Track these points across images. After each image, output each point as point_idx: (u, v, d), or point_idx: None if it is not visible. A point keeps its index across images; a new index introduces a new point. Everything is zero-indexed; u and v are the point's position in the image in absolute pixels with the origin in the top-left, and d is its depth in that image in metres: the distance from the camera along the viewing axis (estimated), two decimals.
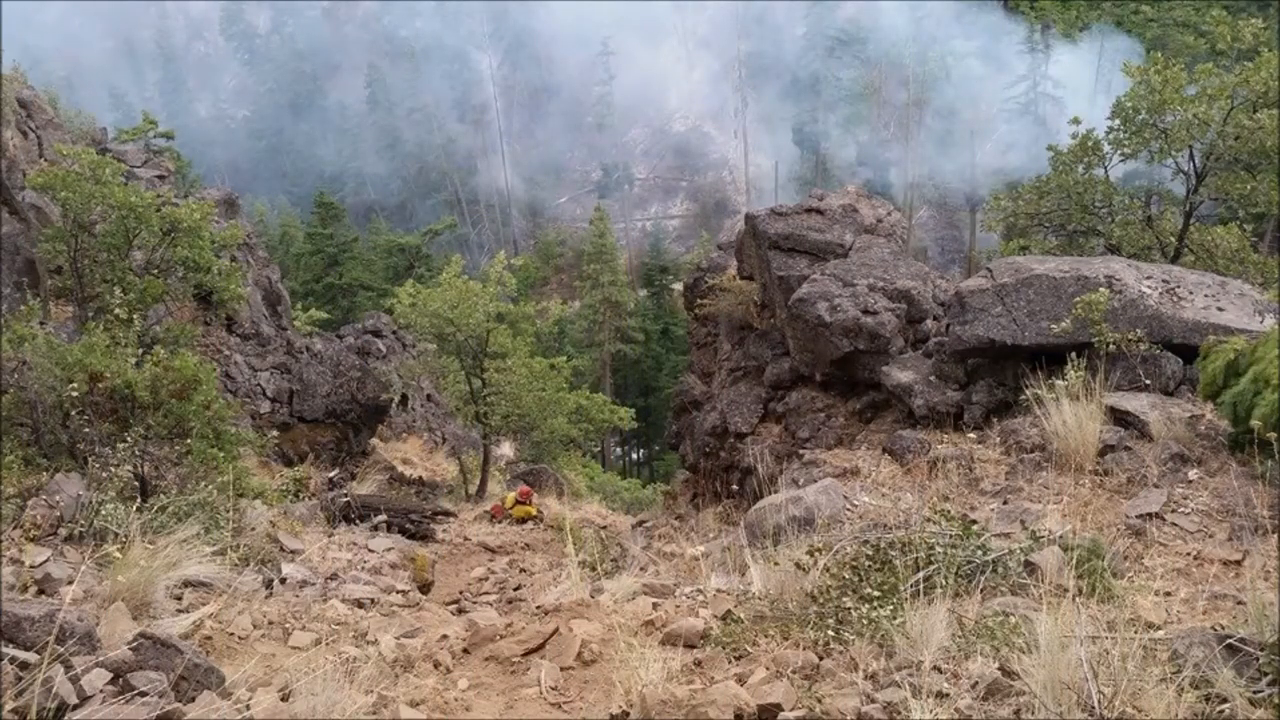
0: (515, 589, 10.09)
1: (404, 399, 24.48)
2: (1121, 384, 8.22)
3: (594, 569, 8.11)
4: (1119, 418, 7.74)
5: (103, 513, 6.63)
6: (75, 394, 7.98)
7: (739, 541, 7.60)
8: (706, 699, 3.82)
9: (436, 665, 4.94)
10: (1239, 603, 4.87)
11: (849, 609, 4.72)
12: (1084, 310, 8.42)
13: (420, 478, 19.53)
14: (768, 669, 4.25)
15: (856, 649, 4.35)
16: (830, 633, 4.56)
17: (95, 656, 4.21)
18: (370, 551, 10.40)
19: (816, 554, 5.57)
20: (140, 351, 9.11)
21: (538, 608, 5.65)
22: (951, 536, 5.53)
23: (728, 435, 13.26)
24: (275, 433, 14.11)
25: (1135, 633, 4.04)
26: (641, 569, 9.08)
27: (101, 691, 3.96)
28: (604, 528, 16.62)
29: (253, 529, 8.26)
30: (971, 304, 9.31)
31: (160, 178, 18.88)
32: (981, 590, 5.10)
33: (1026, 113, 66.15)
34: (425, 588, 9.78)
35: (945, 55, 69.74)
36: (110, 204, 12.24)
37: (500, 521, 15.31)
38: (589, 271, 55.07)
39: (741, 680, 4.14)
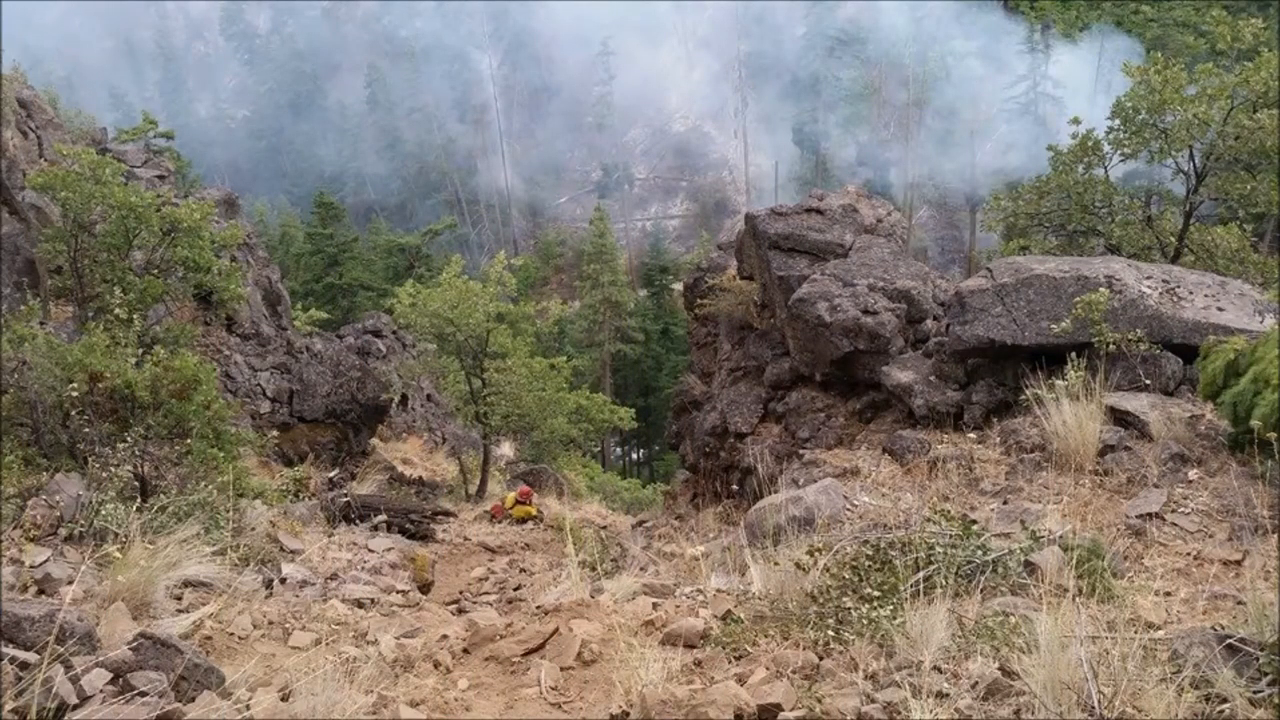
0: (515, 589, 10.09)
1: (404, 399, 24.49)
2: (1121, 384, 8.22)
3: (594, 569, 8.10)
4: (1119, 418, 7.74)
5: (103, 513, 6.63)
6: (75, 394, 7.97)
7: (739, 541, 7.60)
8: (706, 699, 3.82)
9: (436, 665, 4.94)
10: (1239, 603, 4.87)
11: (849, 609, 4.72)
12: (1084, 310, 8.42)
13: (420, 478, 19.53)
14: (768, 669, 4.25)
15: (856, 649, 4.35)
16: (830, 633, 4.56)
17: (95, 656, 4.21)
18: (370, 551, 10.40)
19: (816, 554, 5.57)
20: (140, 351, 9.11)
21: (538, 608, 5.65)
22: (951, 536, 5.53)
23: (728, 435, 13.27)
24: (275, 433, 14.09)
25: (1135, 633, 4.04)
26: (641, 569, 9.08)
27: (101, 691, 3.96)
28: (604, 528, 16.62)
29: (253, 529, 8.26)
30: (971, 304, 9.32)
31: (160, 178, 18.88)
32: (981, 590, 5.10)
33: (1026, 113, 66.15)
34: (425, 588, 9.78)
35: (945, 55, 69.75)
36: (110, 204, 12.24)
37: (500, 521, 15.31)
38: (589, 271, 55.05)
39: (741, 680, 4.14)
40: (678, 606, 5.50)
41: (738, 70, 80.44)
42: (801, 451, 10.99)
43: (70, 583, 5.52)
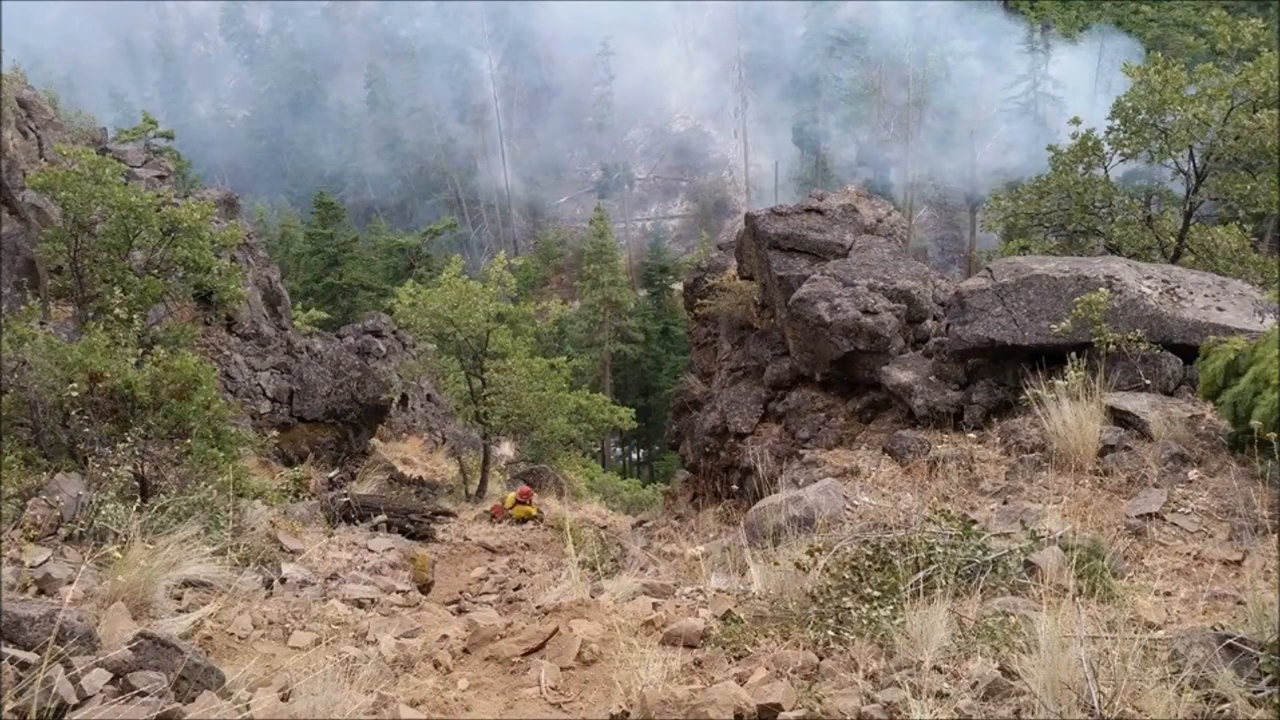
0: (515, 589, 10.09)
1: (404, 399, 24.49)
2: (1121, 384, 8.22)
3: (594, 569, 8.10)
4: (1119, 418, 7.74)
5: (103, 513, 6.63)
6: (75, 394, 7.97)
7: (739, 541, 7.60)
8: (706, 699, 3.82)
9: (436, 665, 4.94)
10: (1239, 603, 4.87)
11: (849, 609, 4.72)
12: (1084, 310, 8.42)
13: (420, 478, 19.53)
14: (768, 669, 4.25)
15: (856, 649, 4.35)
16: (830, 633, 4.56)
17: (95, 656, 4.21)
18: (370, 551, 10.40)
19: (816, 554, 5.57)
20: (140, 351, 9.11)
21: (538, 608, 5.65)
22: (951, 536, 5.53)
23: (728, 435, 13.26)
24: (275, 433, 14.08)
25: (1135, 633, 4.04)
26: (641, 569, 9.08)
27: (101, 691, 3.96)
28: (604, 528, 16.62)
29: (253, 529, 8.26)
30: (971, 304, 9.32)
31: (160, 178, 18.88)
32: (981, 590, 5.10)
33: (1026, 113, 66.15)
34: (425, 588, 9.78)
35: (945, 55, 69.75)
36: (110, 204, 12.24)
37: (500, 521, 15.31)
38: (589, 271, 55.05)
39: (741, 680, 4.14)
40: (678, 606, 5.50)
41: (738, 70, 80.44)
42: (801, 451, 10.98)
43: (70, 583, 5.52)
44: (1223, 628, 4.12)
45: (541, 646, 4.87)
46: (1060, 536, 5.56)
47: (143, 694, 3.99)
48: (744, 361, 14.03)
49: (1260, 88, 13.28)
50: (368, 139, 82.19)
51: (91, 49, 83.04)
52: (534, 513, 15.56)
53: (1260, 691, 3.61)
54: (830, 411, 11.75)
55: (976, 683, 3.81)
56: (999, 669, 3.87)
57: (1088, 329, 8.45)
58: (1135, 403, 7.82)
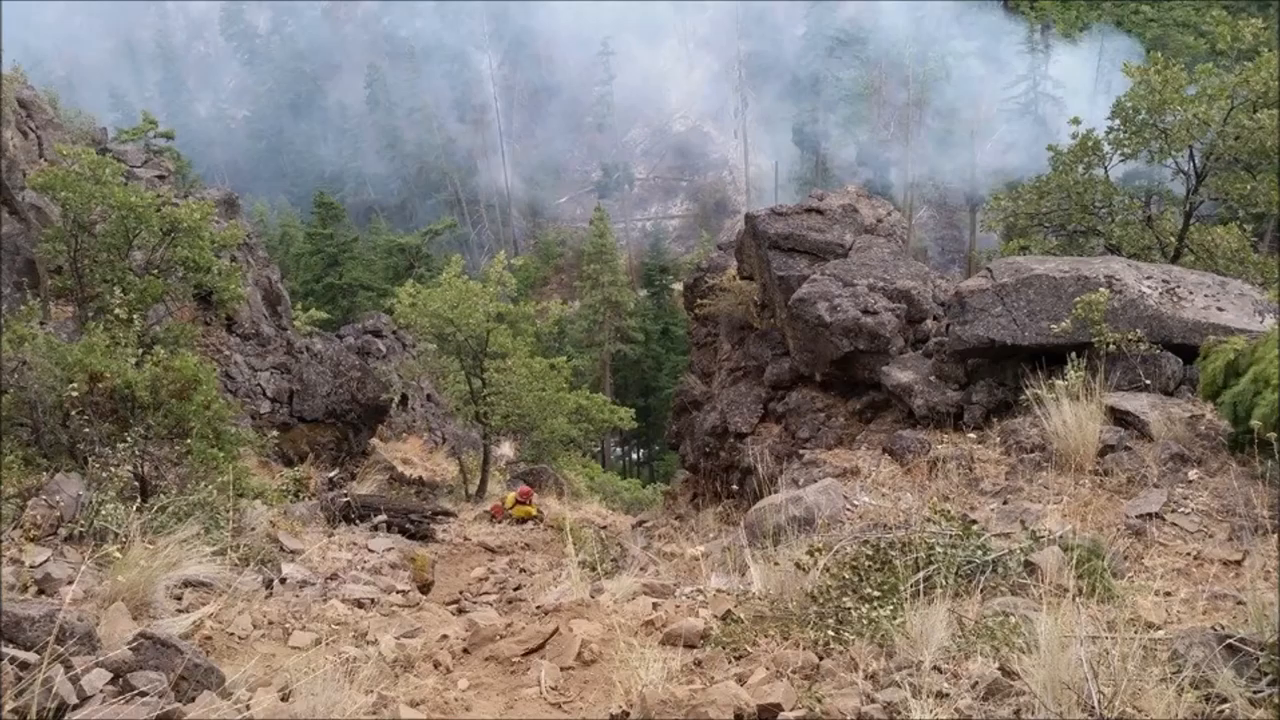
0: (515, 589, 10.09)
1: (404, 399, 24.50)
2: (1121, 384, 8.23)
3: (594, 569, 8.10)
4: (1119, 418, 7.74)
5: (103, 513, 6.64)
6: (75, 394, 7.98)
7: (739, 541, 7.61)
8: (706, 699, 3.82)
9: (436, 665, 4.94)
10: (1239, 603, 4.87)
11: (849, 609, 4.72)
12: (1084, 310, 8.42)
13: (420, 478, 19.53)
14: (768, 669, 4.25)
15: (856, 649, 4.35)
16: (830, 633, 4.56)
17: (95, 656, 4.21)
18: (370, 551, 10.40)
19: (816, 554, 5.57)
20: (140, 351, 9.11)
21: (538, 608, 5.65)
22: (951, 536, 5.53)
23: (728, 435, 13.26)
24: (275, 433, 14.07)
25: (1135, 633, 4.04)
26: (641, 569, 9.08)
27: (101, 691, 3.96)
28: (604, 528, 16.62)
29: (253, 529, 8.27)
30: (971, 304, 9.31)
31: (160, 178, 18.87)
32: (981, 590, 5.09)
33: (1026, 113, 66.11)
34: (425, 588, 9.78)
35: (945, 55, 69.70)
36: (110, 204, 12.24)
37: (500, 521, 15.30)
38: (589, 271, 55.06)
39: (741, 680, 4.14)
40: (678, 606, 5.50)
41: (738, 70, 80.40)
42: (801, 451, 10.98)
43: (70, 583, 5.52)
44: (1223, 628, 4.12)
45: (541, 646, 4.87)
46: (1060, 536, 5.56)
47: (143, 694, 3.99)
48: (744, 361, 14.03)
49: (1260, 88, 13.28)
50: (368, 139, 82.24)
51: (91, 49, 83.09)
52: (534, 513, 15.56)
53: (1260, 691, 3.61)
54: (830, 411, 11.75)
55: (976, 683, 3.81)
56: (999, 669, 3.87)
57: (1088, 329, 8.45)
58: (1135, 403, 7.82)
